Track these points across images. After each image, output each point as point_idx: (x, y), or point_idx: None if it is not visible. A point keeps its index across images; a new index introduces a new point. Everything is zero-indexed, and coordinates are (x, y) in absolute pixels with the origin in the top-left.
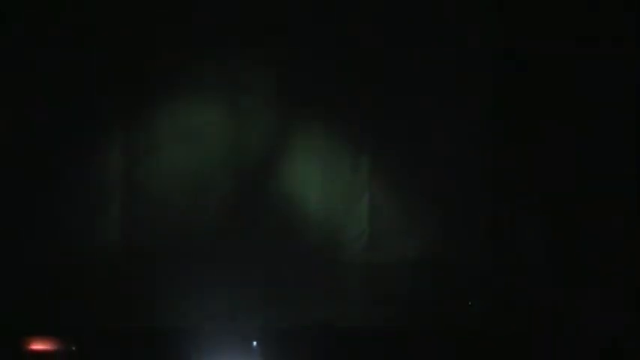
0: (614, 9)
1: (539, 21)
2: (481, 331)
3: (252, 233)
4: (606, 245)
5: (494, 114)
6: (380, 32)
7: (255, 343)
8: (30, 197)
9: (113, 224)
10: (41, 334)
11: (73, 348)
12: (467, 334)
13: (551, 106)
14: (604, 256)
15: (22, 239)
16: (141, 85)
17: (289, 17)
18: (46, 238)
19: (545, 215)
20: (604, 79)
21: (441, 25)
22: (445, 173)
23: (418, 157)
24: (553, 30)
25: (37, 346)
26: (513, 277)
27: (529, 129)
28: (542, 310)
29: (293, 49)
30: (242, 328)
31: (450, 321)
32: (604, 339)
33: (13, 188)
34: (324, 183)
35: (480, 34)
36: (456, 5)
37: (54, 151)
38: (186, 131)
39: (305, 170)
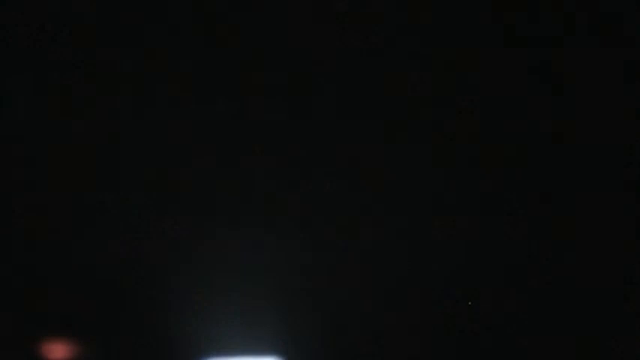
0: None
1: None
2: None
3: None
4: (606, 245)
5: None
6: None
7: None
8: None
9: None
10: None
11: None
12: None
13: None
14: (603, 256)
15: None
16: None
17: None
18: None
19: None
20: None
21: None
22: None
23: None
24: None
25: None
26: (511, 277)
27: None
28: (541, 310)
29: None
30: None
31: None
32: (603, 338)
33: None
34: None
35: None
36: None
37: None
38: None
39: None
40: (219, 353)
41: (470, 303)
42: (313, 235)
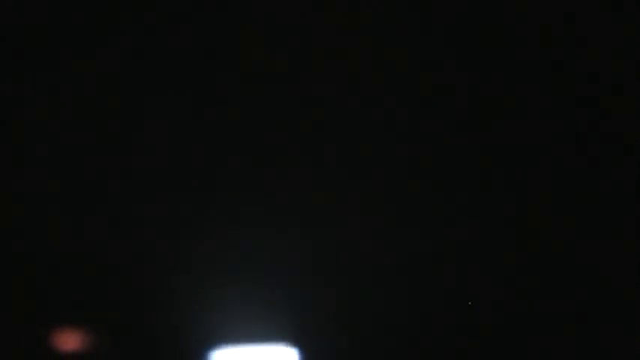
0: None
1: None
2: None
3: None
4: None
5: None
6: None
7: None
8: None
9: None
10: None
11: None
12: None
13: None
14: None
15: None
16: None
17: None
18: None
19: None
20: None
21: None
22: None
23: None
24: None
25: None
26: (513, 276)
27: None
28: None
29: None
30: None
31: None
32: (602, 337)
33: None
34: None
35: None
36: None
37: None
38: None
39: None
40: (230, 341)
41: (470, 303)
42: (322, 226)
